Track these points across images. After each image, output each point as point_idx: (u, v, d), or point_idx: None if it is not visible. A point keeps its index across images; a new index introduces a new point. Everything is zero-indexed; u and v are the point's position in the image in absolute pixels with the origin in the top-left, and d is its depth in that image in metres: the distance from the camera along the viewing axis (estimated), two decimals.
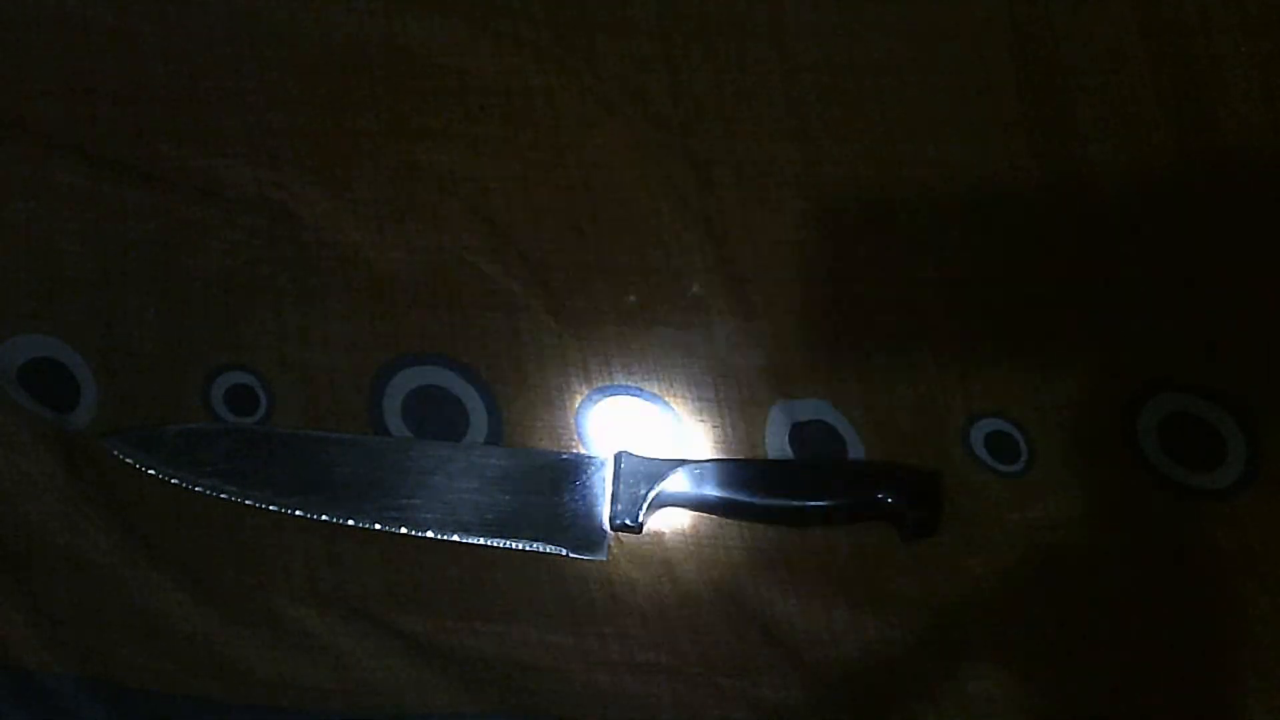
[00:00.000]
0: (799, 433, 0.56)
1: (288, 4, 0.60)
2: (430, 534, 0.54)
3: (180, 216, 0.58)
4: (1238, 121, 0.56)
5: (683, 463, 0.55)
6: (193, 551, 0.55)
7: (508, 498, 0.55)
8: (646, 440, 0.57)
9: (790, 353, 0.57)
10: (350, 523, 0.55)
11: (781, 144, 0.58)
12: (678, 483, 0.54)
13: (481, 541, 0.54)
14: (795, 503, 0.54)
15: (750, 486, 0.54)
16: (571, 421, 0.57)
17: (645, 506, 0.54)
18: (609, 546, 0.54)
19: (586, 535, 0.54)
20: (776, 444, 0.56)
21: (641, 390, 0.57)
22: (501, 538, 0.54)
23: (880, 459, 0.56)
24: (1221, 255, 0.56)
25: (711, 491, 0.54)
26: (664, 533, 0.55)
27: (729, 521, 0.55)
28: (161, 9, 0.60)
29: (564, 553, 0.54)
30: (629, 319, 0.58)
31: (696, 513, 0.55)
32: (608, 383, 0.57)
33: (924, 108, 0.58)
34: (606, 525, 0.54)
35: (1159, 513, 0.54)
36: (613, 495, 0.54)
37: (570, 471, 0.55)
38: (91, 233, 0.57)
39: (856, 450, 0.56)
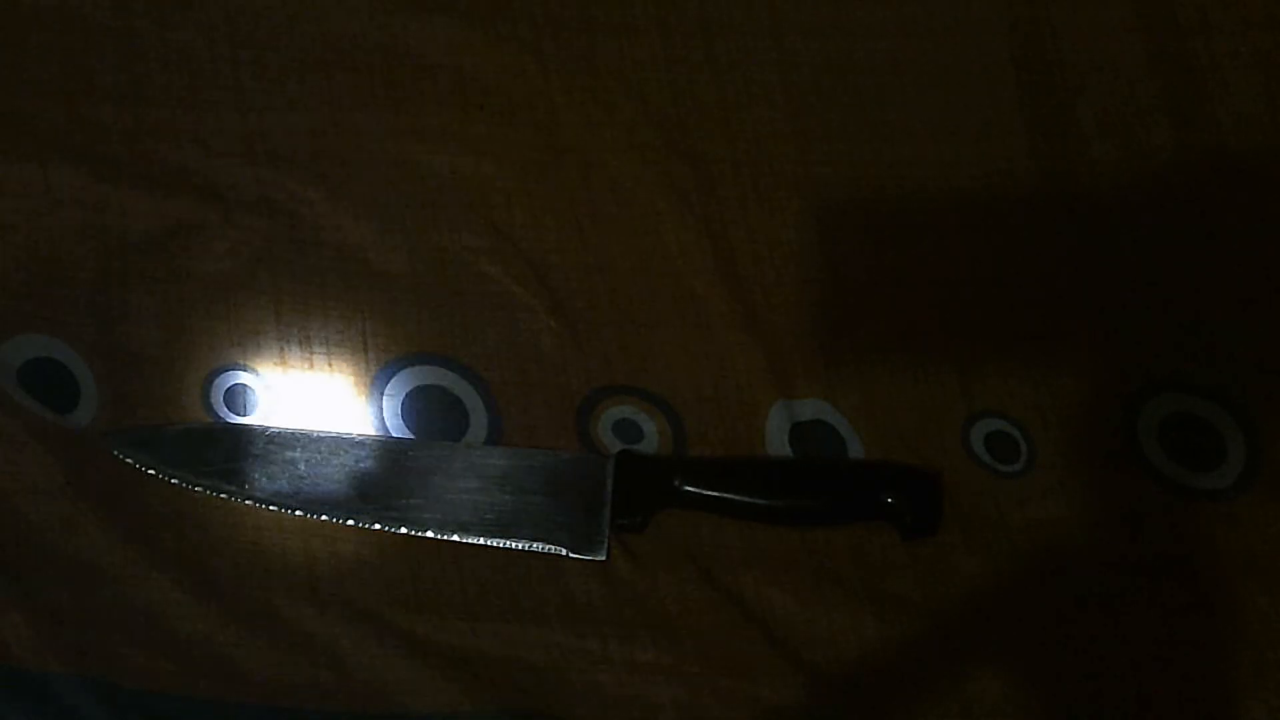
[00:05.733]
0: (799, 433, 0.56)
1: (288, 4, 0.60)
2: (430, 534, 0.54)
3: (180, 216, 0.58)
4: (1238, 121, 0.56)
5: (683, 462, 0.55)
6: (193, 551, 0.55)
7: (508, 498, 0.55)
8: (647, 440, 0.57)
9: (790, 353, 0.57)
10: (350, 523, 0.55)
11: (781, 144, 0.58)
12: (678, 482, 0.54)
13: (481, 541, 0.54)
14: (795, 503, 0.55)
15: (750, 486, 0.54)
16: (571, 421, 0.57)
17: (646, 506, 0.54)
18: (609, 546, 0.54)
19: (586, 535, 0.54)
20: (776, 444, 0.56)
21: (641, 390, 0.57)
22: (501, 538, 0.54)
23: (880, 459, 0.56)
24: (1221, 255, 0.56)
25: (711, 491, 0.54)
26: (664, 533, 0.55)
27: (729, 521, 0.55)
28: (161, 9, 0.60)
29: (564, 553, 0.54)
30: (629, 319, 0.58)
31: (696, 513, 0.55)
32: (608, 383, 0.57)
33: (924, 108, 0.58)
34: (607, 525, 0.54)
35: (1159, 512, 0.54)
36: (613, 495, 0.54)
37: (571, 471, 0.55)
38: (91, 233, 0.57)
39: (856, 450, 0.56)
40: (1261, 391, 0.55)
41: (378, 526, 0.55)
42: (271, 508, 0.55)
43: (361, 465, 0.55)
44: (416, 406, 0.57)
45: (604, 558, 0.54)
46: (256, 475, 0.55)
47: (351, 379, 0.57)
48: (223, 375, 0.57)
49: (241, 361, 0.57)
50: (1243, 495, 0.54)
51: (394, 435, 0.57)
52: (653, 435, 0.57)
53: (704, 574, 0.55)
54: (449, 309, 0.58)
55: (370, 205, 0.58)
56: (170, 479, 0.55)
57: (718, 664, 0.54)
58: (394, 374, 0.57)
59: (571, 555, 0.54)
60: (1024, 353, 0.57)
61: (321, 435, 0.56)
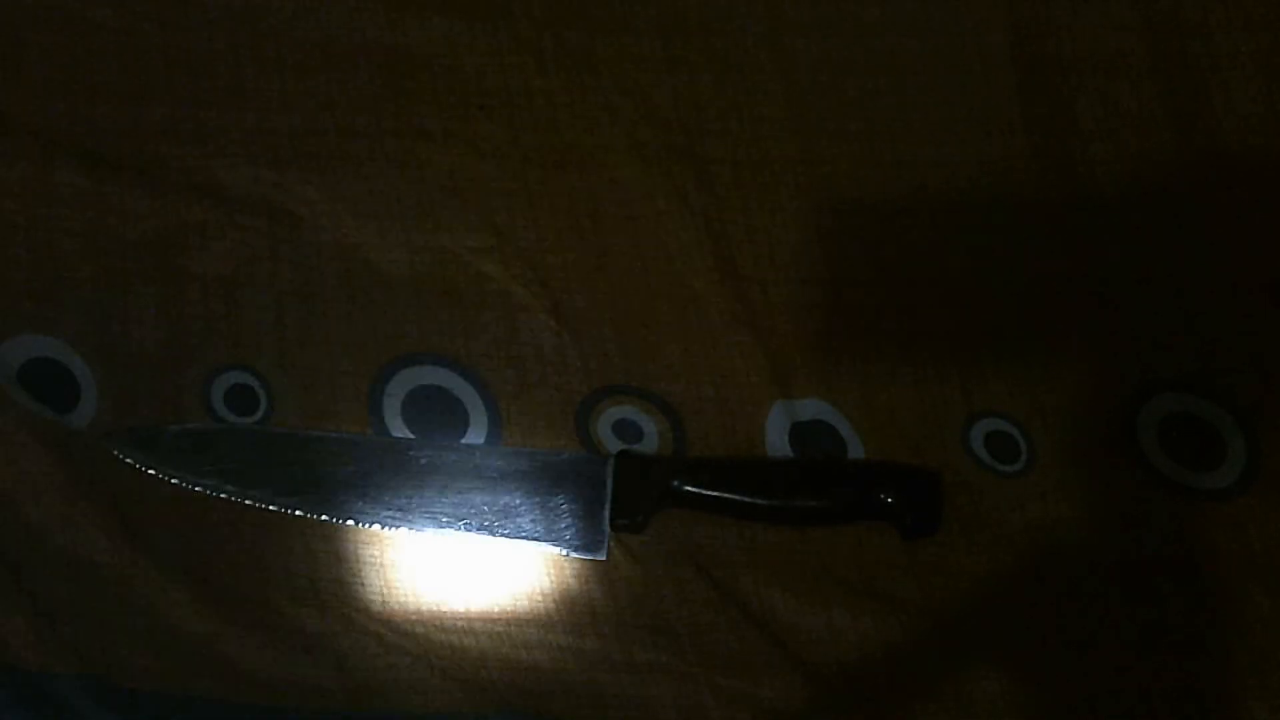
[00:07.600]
0: (799, 433, 0.56)
1: (288, 4, 0.60)
2: (430, 534, 0.54)
3: (180, 216, 0.58)
4: (1238, 121, 0.56)
5: (683, 463, 0.55)
6: (193, 551, 0.55)
7: (508, 498, 0.55)
8: (647, 440, 0.57)
9: (790, 353, 0.57)
10: (350, 523, 0.55)
11: (781, 144, 0.58)
12: (678, 483, 0.54)
13: (482, 541, 0.54)
14: (795, 503, 0.55)
15: (750, 486, 0.54)
16: (571, 421, 0.57)
17: (646, 506, 0.54)
18: (609, 546, 0.54)
19: (586, 535, 0.54)
20: (776, 444, 0.56)
21: (641, 390, 0.57)
22: (502, 537, 0.54)
23: (880, 459, 0.56)
24: (1221, 255, 0.56)
25: (711, 491, 0.54)
26: (664, 533, 0.55)
27: (729, 521, 0.55)
28: (162, 8, 0.60)
29: (564, 553, 0.54)
30: (629, 319, 0.58)
31: (696, 513, 0.55)
32: (608, 383, 0.57)
33: (924, 108, 0.58)
34: (607, 525, 0.54)
35: (1159, 513, 0.54)
36: (613, 495, 0.54)
37: (570, 471, 0.55)
38: (91, 233, 0.57)
39: (856, 450, 0.56)
40: (1261, 391, 0.55)
41: (378, 526, 0.55)
42: (271, 508, 0.55)
43: (361, 465, 0.55)
44: (416, 406, 0.57)
45: (604, 558, 0.54)
46: (256, 475, 0.55)
47: (352, 379, 0.57)
48: (223, 375, 0.57)
49: (241, 361, 0.57)
50: (1243, 495, 0.54)
51: (394, 435, 0.57)
52: (653, 435, 0.57)
53: (704, 574, 0.55)
54: (449, 309, 0.58)
55: (370, 205, 0.58)
56: (170, 479, 0.55)
57: (718, 664, 0.54)
58: (394, 374, 0.57)
59: (571, 555, 0.54)
60: (1024, 353, 0.57)
61: (321, 435, 0.56)
